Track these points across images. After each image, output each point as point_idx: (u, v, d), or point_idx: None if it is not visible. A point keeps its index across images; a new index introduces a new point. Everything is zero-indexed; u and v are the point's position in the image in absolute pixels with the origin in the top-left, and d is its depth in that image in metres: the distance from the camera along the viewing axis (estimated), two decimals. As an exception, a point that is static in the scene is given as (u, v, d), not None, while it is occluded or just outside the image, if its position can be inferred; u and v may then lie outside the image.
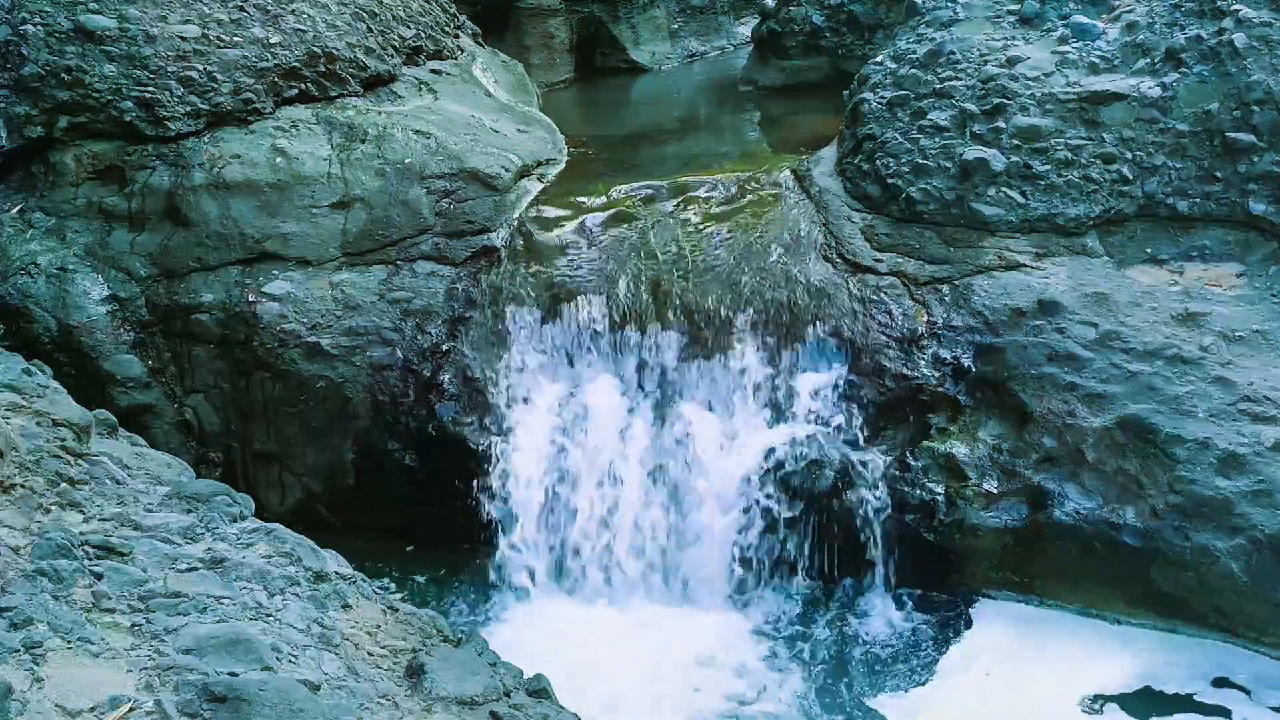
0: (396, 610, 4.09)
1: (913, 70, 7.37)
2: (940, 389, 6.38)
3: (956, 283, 6.57)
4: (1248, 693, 5.61)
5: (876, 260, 6.80)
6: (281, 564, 4.03)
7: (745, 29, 12.89)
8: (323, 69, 7.92)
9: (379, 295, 6.99)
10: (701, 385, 6.67)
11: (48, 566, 3.54)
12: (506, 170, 7.59)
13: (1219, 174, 6.46)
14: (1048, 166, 6.71)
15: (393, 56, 8.50)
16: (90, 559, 3.70)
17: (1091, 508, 5.97)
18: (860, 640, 6.19)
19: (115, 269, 7.06)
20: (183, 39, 7.39)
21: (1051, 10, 7.35)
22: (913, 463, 6.33)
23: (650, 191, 7.64)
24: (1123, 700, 5.64)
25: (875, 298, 6.62)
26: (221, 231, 7.10)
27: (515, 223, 7.33)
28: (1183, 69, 6.67)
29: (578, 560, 6.63)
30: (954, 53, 7.28)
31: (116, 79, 7.20)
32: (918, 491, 6.27)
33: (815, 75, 10.65)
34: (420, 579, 6.77)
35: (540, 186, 7.79)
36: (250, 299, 6.93)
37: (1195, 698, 5.62)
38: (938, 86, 7.18)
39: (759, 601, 6.46)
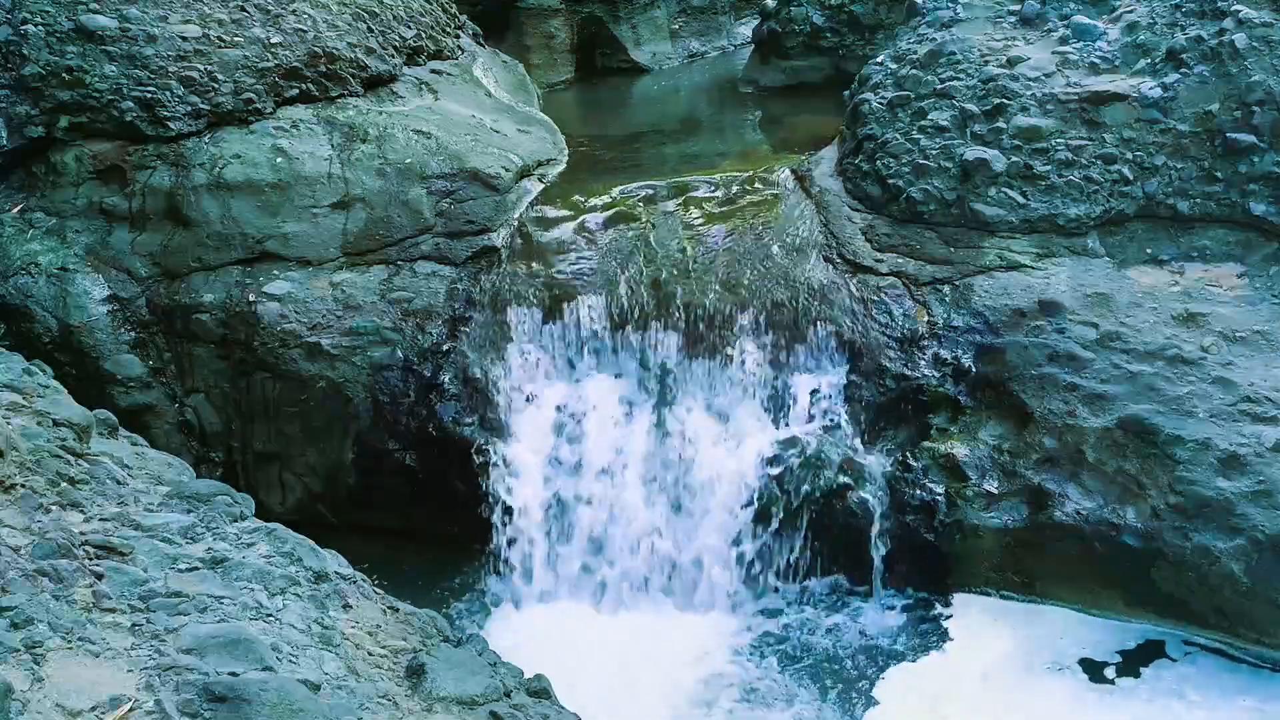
0: (397, 610, 4.09)
1: (913, 70, 7.37)
2: (940, 389, 6.38)
3: (957, 283, 6.57)
4: (1248, 693, 5.62)
5: (877, 260, 6.80)
6: (282, 564, 4.03)
7: (746, 29, 12.88)
8: (323, 69, 7.92)
9: (379, 295, 6.99)
10: (702, 385, 6.67)
11: (48, 566, 3.54)
12: (507, 170, 7.59)
13: (1219, 174, 6.46)
14: (1048, 167, 6.71)
15: (393, 56, 8.50)
16: (91, 559, 3.70)
17: (1092, 508, 5.97)
18: (860, 641, 6.19)
19: (116, 269, 7.07)
20: (183, 39, 7.40)
21: (1052, 10, 7.35)
22: (913, 463, 6.33)
23: (650, 191, 7.63)
24: (1123, 700, 5.64)
25: (875, 298, 6.63)
26: (222, 231, 7.10)
27: (516, 223, 7.33)
28: (1183, 69, 6.67)
29: (578, 560, 6.63)
30: (954, 53, 7.28)
31: (117, 79, 7.20)
32: (918, 492, 6.27)
33: (816, 75, 10.65)
34: (420, 579, 6.77)
35: (541, 186, 7.78)
36: (250, 299, 6.93)
37: (1196, 696, 5.62)
38: (938, 87, 7.19)
39: (759, 602, 6.46)
